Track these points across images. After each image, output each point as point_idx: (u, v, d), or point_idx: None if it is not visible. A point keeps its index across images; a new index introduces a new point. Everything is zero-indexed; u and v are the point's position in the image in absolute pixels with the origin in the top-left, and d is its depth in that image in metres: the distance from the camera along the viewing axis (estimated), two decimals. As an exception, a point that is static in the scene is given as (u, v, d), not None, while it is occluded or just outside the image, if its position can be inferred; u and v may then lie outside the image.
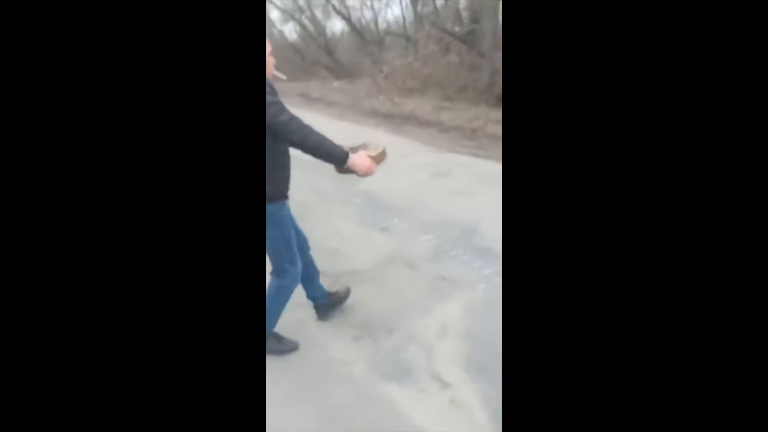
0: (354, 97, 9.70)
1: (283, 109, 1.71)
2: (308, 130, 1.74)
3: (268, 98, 1.64)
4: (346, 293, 2.46)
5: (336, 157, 1.80)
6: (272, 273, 2.00)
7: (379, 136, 6.78)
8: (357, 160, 1.83)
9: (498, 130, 6.63)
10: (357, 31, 14.29)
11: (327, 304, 2.38)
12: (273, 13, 18.98)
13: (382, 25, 16.08)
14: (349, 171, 1.85)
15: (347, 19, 13.64)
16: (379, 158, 1.95)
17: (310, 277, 2.25)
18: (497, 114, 7.21)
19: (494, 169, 5.11)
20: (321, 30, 17.14)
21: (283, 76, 1.98)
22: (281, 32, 18.95)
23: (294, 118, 1.72)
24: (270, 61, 1.79)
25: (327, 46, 16.94)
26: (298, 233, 2.11)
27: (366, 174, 1.85)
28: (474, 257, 3.02)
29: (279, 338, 2.14)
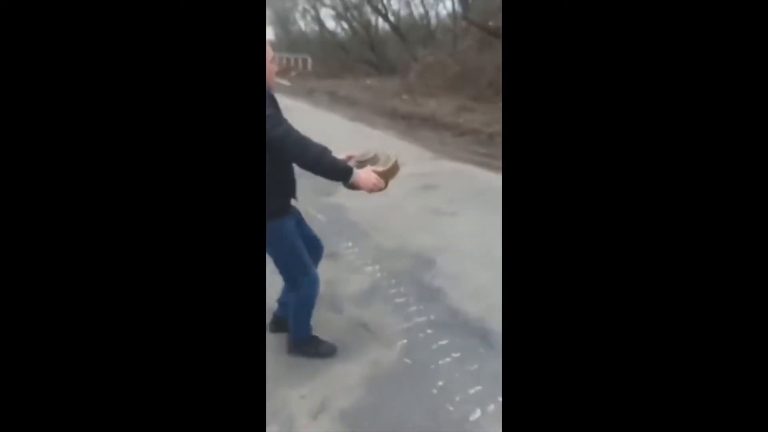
0: (380, 96, 9.24)
1: (279, 123, 1.52)
2: (306, 144, 1.55)
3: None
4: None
5: (337, 174, 1.63)
6: (289, 288, 1.93)
7: (387, 140, 6.31)
8: (362, 176, 1.65)
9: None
10: (396, 28, 13.85)
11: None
12: (322, 11, 19.01)
13: (431, 20, 15.54)
14: (355, 187, 1.66)
15: (384, 16, 13.19)
16: (391, 172, 1.75)
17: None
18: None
19: (493, 181, 4.51)
20: (366, 27, 16.85)
21: (287, 83, 1.71)
22: (330, 31, 18.94)
23: (291, 132, 1.53)
24: (270, 68, 1.61)
25: (372, 42, 16.61)
26: (312, 240, 2.00)
27: (372, 191, 1.68)
28: (415, 298, 2.50)
29: (318, 342, 2.07)
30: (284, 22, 22.43)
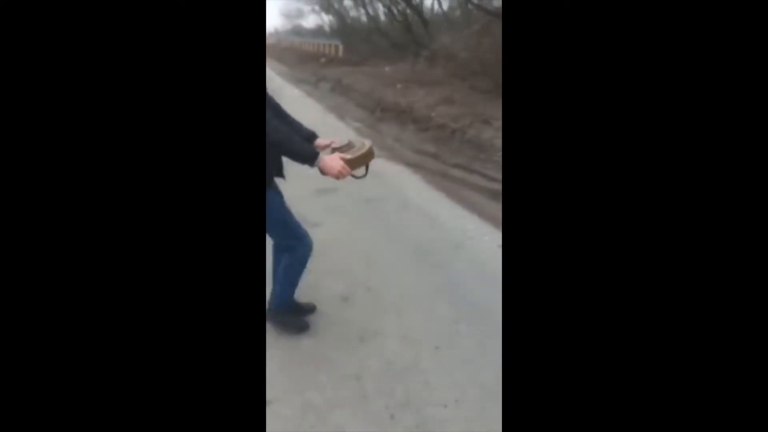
0: (378, 85, 8.74)
1: None
2: (274, 126, 1.58)
3: None
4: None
5: (301, 157, 1.61)
6: (282, 251, 1.94)
7: (346, 133, 5.85)
8: (327, 161, 1.62)
9: (482, 131, 5.28)
10: (419, 12, 13.17)
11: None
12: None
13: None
14: (323, 172, 1.65)
15: (407, 1, 12.54)
16: (363, 158, 1.72)
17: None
18: (495, 111, 5.77)
19: (404, 183, 3.96)
20: (404, 11, 16.24)
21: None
22: (372, 15, 18.51)
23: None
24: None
25: (409, 27, 15.97)
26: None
27: (338, 178, 1.64)
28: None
29: (297, 312, 2.12)
30: (334, 8, 22.30)
